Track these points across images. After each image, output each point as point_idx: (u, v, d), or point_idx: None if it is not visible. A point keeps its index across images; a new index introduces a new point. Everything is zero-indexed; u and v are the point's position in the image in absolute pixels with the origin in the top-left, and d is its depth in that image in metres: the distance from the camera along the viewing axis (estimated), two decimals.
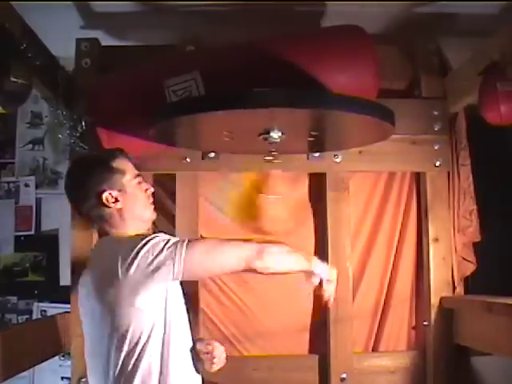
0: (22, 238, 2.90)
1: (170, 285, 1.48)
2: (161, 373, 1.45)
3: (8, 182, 2.93)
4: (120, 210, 1.54)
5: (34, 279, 2.87)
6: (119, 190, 1.54)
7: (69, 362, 2.20)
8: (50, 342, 2.03)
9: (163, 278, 1.41)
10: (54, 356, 2.16)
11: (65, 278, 2.69)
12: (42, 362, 2.04)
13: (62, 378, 2.78)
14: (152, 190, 1.64)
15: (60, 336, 2.09)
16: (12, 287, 2.87)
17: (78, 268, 2.17)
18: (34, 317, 2.84)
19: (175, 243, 1.43)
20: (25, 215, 2.90)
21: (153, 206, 1.63)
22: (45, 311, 2.85)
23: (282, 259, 1.54)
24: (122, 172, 1.56)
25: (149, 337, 1.44)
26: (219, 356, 1.60)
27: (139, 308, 1.42)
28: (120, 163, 1.58)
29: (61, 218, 2.68)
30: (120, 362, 1.44)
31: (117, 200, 1.54)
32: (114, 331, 1.44)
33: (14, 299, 2.87)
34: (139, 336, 1.43)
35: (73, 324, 2.12)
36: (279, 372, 2.21)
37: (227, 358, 1.65)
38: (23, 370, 1.87)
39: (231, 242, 1.52)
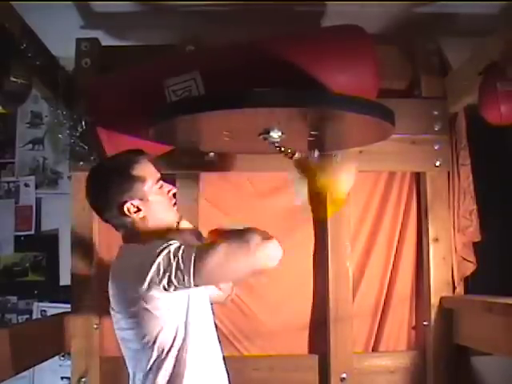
0: (22, 238, 2.90)
1: (192, 292, 1.47)
2: (182, 376, 1.45)
3: (8, 182, 2.93)
4: (143, 218, 1.51)
5: (34, 279, 2.87)
6: (141, 199, 1.50)
7: (69, 362, 2.20)
8: (50, 341, 2.04)
9: (175, 287, 1.38)
10: (53, 356, 2.16)
11: (65, 278, 2.69)
12: (42, 362, 2.04)
13: (62, 378, 2.77)
14: (174, 190, 1.59)
15: (60, 336, 2.09)
16: (12, 287, 2.87)
17: (77, 268, 2.18)
18: (34, 317, 2.84)
19: (185, 252, 1.38)
20: (25, 215, 2.90)
21: (176, 207, 1.60)
22: (45, 311, 2.85)
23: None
24: (143, 179, 1.51)
25: (172, 345, 1.45)
26: None
27: (159, 317, 1.42)
28: (140, 169, 1.52)
29: (61, 218, 2.69)
30: (145, 369, 1.46)
31: (139, 209, 1.50)
32: (137, 340, 1.46)
33: (14, 299, 2.87)
34: (160, 343, 1.44)
35: (73, 324, 2.12)
36: (279, 372, 2.22)
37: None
38: (23, 370, 1.87)
39: (245, 246, 1.40)
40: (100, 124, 1.90)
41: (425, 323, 2.23)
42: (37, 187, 2.92)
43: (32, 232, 2.89)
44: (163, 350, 1.44)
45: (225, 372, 1.61)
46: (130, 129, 1.90)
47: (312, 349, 2.26)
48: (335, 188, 1.67)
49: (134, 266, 1.43)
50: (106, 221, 1.57)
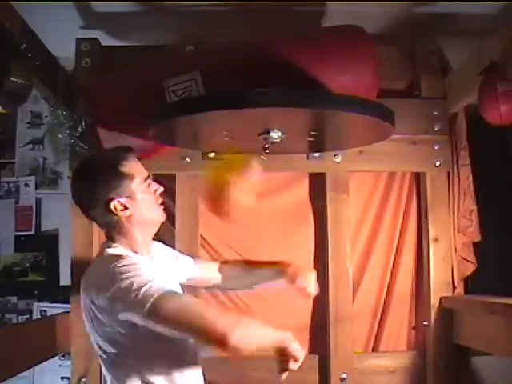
0: (22, 238, 2.89)
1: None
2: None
3: (8, 182, 2.93)
4: (129, 217, 1.45)
5: (34, 279, 2.87)
6: (128, 197, 1.44)
7: (69, 362, 2.20)
8: (50, 341, 2.03)
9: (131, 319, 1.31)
10: (53, 356, 2.15)
11: (65, 278, 2.69)
12: (42, 362, 2.04)
13: (62, 378, 2.77)
14: (161, 189, 1.54)
15: (60, 336, 2.09)
16: (12, 287, 2.87)
17: (78, 268, 2.18)
18: (34, 317, 2.84)
19: (144, 297, 1.26)
20: (25, 215, 2.90)
21: (162, 207, 1.55)
22: (45, 311, 2.84)
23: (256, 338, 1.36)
24: (131, 177, 1.46)
25: (135, 347, 1.39)
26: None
27: (119, 331, 1.36)
28: (128, 166, 1.46)
29: (61, 218, 2.68)
30: (111, 373, 1.43)
31: (125, 208, 1.44)
32: (101, 346, 1.42)
33: (14, 299, 2.87)
34: (124, 350, 1.39)
35: (73, 324, 2.12)
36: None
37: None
38: (23, 370, 1.87)
39: (201, 317, 1.26)
40: (100, 124, 1.90)
41: (425, 323, 2.23)
42: (37, 187, 2.92)
43: (32, 232, 2.89)
44: (127, 362, 1.40)
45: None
46: (130, 129, 1.90)
47: (312, 349, 2.26)
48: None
49: (96, 281, 1.38)
50: (92, 218, 1.52)
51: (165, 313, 1.25)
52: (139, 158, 1.54)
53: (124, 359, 1.40)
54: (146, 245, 1.53)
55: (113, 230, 1.48)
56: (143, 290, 1.26)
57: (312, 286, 1.67)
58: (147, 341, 1.36)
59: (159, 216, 1.54)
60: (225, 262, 1.86)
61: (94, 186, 1.44)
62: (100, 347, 1.43)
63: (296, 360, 1.41)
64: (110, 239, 1.49)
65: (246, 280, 1.83)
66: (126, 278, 1.30)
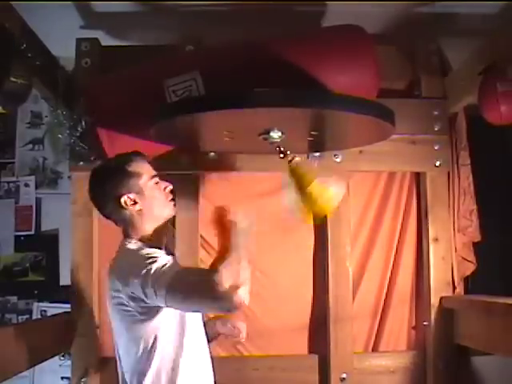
0: (22, 238, 2.89)
1: None
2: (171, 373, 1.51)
3: (8, 182, 2.93)
4: (139, 212, 1.58)
5: (34, 279, 2.87)
6: (137, 193, 1.58)
7: (69, 362, 2.21)
8: (50, 341, 2.03)
9: (150, 304, 1.45)
10: (53, 356, 2.16)
11: (65, 278, 2.69)
12: (42, 362, 2.04)
13: (62, 378, 2.77)
14: (170, 187, 1.65)
15: (60, 336, 2.09)
16: (12, 287, 2.87)
17: (77, 268, 2.18)
18: (34, 317, 2.83)
19: (163, 275, 1.40)
20: (25, 215, 2.90)
21: (173, 203, 1.66)
22: (45, 311, 2.84)
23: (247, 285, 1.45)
24: (138, 175, 1.59)
25: (156, 341, 1.50)
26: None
27: (143, 320, 1.49)
28: (136, 166, 1.61)
29: (61, 218, 2.68)
30: (133, 366, 1.53)
31: (135, 202, 1.57)
32: (125, 338, 1.54)
33: (14, 299, 2.87)
34: (147, 343, 1.50)
35: (73, 324, 2.12)
36: (279, 372, 2.22)
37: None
38: (23, 370, 1.87)
39: (212, 289, 1.36)
40: (100, 124, 1.90)
41: (425, 323, 2.23)
42: (37, 187, 2.92)
43: (32, 232, 2.88)
44: (150, 356, 1.50)
45: (212, 376, 1.65)
46: (129, 129, 1.90)
47: (312, 349, 2.26)
48: (320, 202, 1.67)
49: (121, 271, 1.52)
50: (107, 216, 1.65)
51: (182, 290, 1.39)
52: (146, 160, 1.66)
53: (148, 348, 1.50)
54: (159, 238, 1.63)
55: (128, 225, 1.61)
56: (162, 270, 1.40)
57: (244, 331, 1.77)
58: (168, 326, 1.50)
59: (169, 211, 1.65)
60: None
61: (105, 184, 1.60)
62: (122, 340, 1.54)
63: None
64: (127, 236, 1.61)
65: None
66: (147, 265, 1.42)
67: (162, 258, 1.47)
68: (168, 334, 1.51)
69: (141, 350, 1.50)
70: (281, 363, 2.23)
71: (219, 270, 1.38)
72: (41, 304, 2.85)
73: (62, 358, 2.66)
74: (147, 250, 1.52)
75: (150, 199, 1.59)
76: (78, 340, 2.12)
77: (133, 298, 1.46)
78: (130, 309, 1.48)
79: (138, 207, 1.58)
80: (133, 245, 1.57)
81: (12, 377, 1.72)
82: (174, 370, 1.51)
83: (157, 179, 1.63)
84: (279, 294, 2.25)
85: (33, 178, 2.92)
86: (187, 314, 1.55)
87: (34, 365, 2.10)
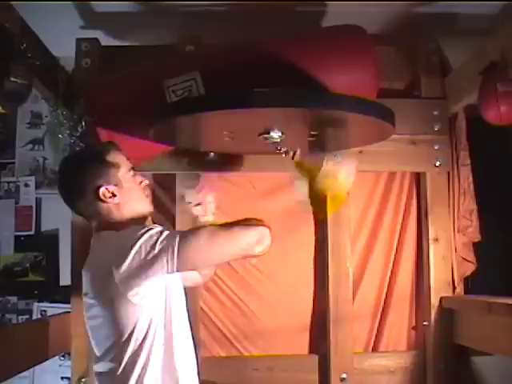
0: (22, 238, 2.90)
1: (169, 279, 1.46)
2: (160, 367, 1.45)
3: (8, 182, 2.93)
4: (118, 205, 1.50)
5: (34, 279, 2.87)
6: (115, 185, 1.50)
7: (69, 362, 2.20)
8: (50, 341, 2.03)
9: (157, 273, 1.36)
10: (53, 356, 2.15)
11: (65, 278, 2.69)
12: (42, 362, 2.04)
13: (62, 378, 2.77)
14: (146, 182, 1.59)
15: (60, 336, 2.09)
16: (12, 287, 2.87)
17: (78, 268, 2.18)
18: (34, 317, 2.84)
19: (168, 236, 1.37)
20: (25, 215, 2.90)
21: (149, 199, 1.60)
22: (45, 311, 2.85)
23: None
24: (117, 166, 1.52)
25: (147, 332, 1.43)
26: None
27: (137, 304, 1.40)
28: (114, 157, 1.53)
29: (61, 218, 2.68)
30: (120, 358, 1.43)
31: (114, 195, 1.49)
32: (114, 327, 1.43)
33: (14, 299, 2.87)
34: (137, 331, 1.42)
35: (73, 324, 2.12)
36: (279, 372, 2.22)
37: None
38: (23, 370, 1.87)
39: (229, 229, 1.41)
40: (100, 124, 1.90)
41: (425, 323, 2.23)
42: (37, 187, 2.92)
43: (32, 232, 2.89)
44: (138, 342, 1.42)
45: (195, 366, 1.59)
46: (130, 129, 1.90)
47: (312, 349, 2.26)
48: (335, 188, 1.67)
49: (112, 250, 1.42)
50: (78, 212, 1.56)
51: (198, 239, 1.36)
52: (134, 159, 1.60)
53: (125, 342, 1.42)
54: None
55: (103, 219, 1.51)
56: (161, 238, 1.35)
57: None
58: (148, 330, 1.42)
59: (146, 207, 1.58)
60: None
61: (82, 175, 1.50)
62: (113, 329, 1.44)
63: None
64: (102, 228, 1.51)
65: None
66: (142, 235, 1.37)
67: (155, 227, 1.40)
68: (157, 317, 1.44)
69: (130, 337, 1.41)
70: (281, 363, 2.23)
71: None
72: (41, 304, 2.85)
73: (62, 358, 2.67)
74: (132, 227, 1.44)
75: (129, 193, 1.52)
76: (78, 340, 2.12)
77: (125, 281, 1.35)
78: (120, 293, 1.37)
79: (116, 200, 1.49)
80: (111, 231, 1.47)
81: (12, 377, 1.72)
82: (167, 352, 1.45)
83: (134, 172, 1.56)
84: (279, 294, 2.25)
85: (33, 178, 2.92)
86: (172, 297, 1.48)
87: (34, 365, 2.11)
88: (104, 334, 1.46)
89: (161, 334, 1.45)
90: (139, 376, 1.42)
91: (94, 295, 1.47)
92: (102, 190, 1.48)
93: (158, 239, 1.36)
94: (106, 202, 1.49)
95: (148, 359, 1.43)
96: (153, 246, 1.35)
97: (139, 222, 1.54)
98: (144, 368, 1.42)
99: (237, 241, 1.41)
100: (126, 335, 1.42)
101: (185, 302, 1.61)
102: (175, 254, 1.34)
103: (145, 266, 1.35)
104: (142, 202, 1.57)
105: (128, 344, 1.42)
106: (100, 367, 1.49)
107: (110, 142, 1.60)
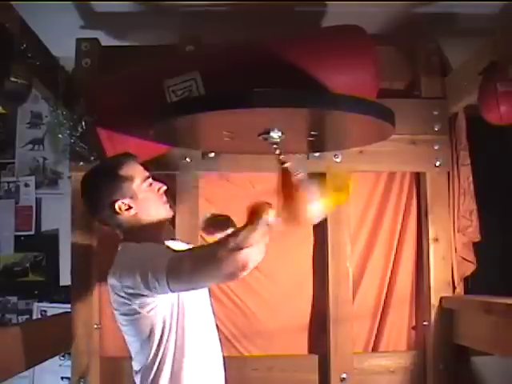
0: (22, 237, 2.90)
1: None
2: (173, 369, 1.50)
3: (8, 182, 2.93)
4: (135, 216, 1.55)
5: (34, 279, 2.87)
6: (131, 197, 1.54)
7: (69, 362, 2.20)
8: (50, 341, 2.03)
9: (151, 294, 1.42)
10: (53, 356, 2.16)
11: (65, 278, 2.69)
12: (42, 362, 2.04)
13: (62, 378, 2.77)
14: (164, 188, 1.63)
15: (60, 336, 2.09)
16: (12, 287, 2.87)
17: (78, 268, 2.18)
18: (34, 317, 2.84)
19: (160, 261, 1.37)
20: (25, 215, 2.90)
21: (168, 204, 1.63)
22: (45, 311, 2.85)
23: (259, 247, 1.37)
24: (131, 178, 1.56)
25: (159, 343, 1.49)
26: None
27: (147, 316, 1.46)
28: (127, 169, 1.57)
29: (61, 218, 2.68)
30: (145, 364, 1.52)
31: (130, 207, 1.54)
32: (134, 336, 1.53)
33: (14, 299, 2.87)
34: (151, 341, 1.49)
35: (73, 324, 2.12)
36: (279, 372, 2.22)
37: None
38: (23, 370, 1.87)
39: (213, 256, 1.31)
40: (100, 124, 1.90)
41: (425, 323, 2.23)
42: (37, 187, 2.92)
43: (32, 232, 2.89)
44: (158, 348, 1.49)
45: (222, 370, 1.64)
46: (129, 129, 1.90)
47: (312, 349, 2.26)
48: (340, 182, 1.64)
49: (122, 266, 1.48)
50: (101, 222, 1.64)
51: (183, 266, 1.34)
52: (139, 162, 1.62)
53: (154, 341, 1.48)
54: (159, 239, 1.59)
55: (125, 230, 1.58)
56: (159, 256, 1.38)
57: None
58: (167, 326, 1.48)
59: (164, 213, 1.62)
60: None
61: (98, 190, 1.56)
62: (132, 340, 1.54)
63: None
64: (125, 239, 1.58)
65: None
66: (141, 258, 1.42)
67: (159, 247, 1.46)
68: (171, 325, 1.49)
69: (149, 346, 1.49)
70: (280, 363, 2.23)
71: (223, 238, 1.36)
72: (41, 304, 2.86)
73: (62, 358, 2.67)
74: (144, 245, 1.49)
75: (145, 202, 1.56)
76: (78, 340, 2.12)
77: (132, 295, 1.43)
78: (133, 307, 1.45)
79: (132, 212, 1.54)
80: (131, 244, 1.54)
81: (12, 377, 1.72)
82: (185, 358, 1.50)
83: (150, 180, 1.60)
84: (279, 293, 2.25)
85: (33, 178, 2.93)
86: (189, 302, 1.52)
87: (34, 365, 2.10)
88: (132, 342, 1.56)
89: (171, 346, 1.50)
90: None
91: (115, 306, 1.54)
92: (117, 204, 1.53)
93: (153, 260, 1.39)
94: (123, 215, 1.54)
95: (160, 370, 1.49)
96: (147, 266, 1.38)
97: (158, 227, 1.59)
98: (157, 375, 1.49)
99: (218, 270, 1.32)
100: (145, 344, 1.50)
101: (210, 310, 1.65)
102: (164, 277, 1.34)
103: (143, 283, 1.38)
104: (160, 209, 1.60)
105: (149, 353, 1.50)
106: (133, 365, 1.59)
107: (125, 154, 1.62)
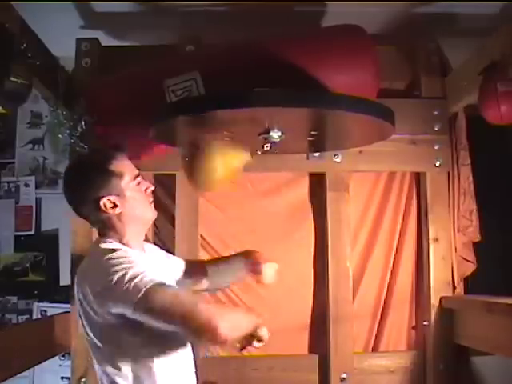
0: (22, 237, 2.90)
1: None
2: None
3: (8, 182, 2.93)
4: (119, 215, 1.46)
5: (34, 279, 2.87)
6: (117, 195, 1.45)
7: (69, 362, 2.20)
8: (50, 341, 2.03)
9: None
10: (53, 356, 2.16)
11: (65, 278, 2.70)
12: (42, 362, 2.04)
13: (62, 378, 2.77)
14: (152, 188, 1.54)
15: (60, 336, 2.09)
16: (12, 287, 2.87)
17: (77, 268, 2.18)
18: (34, 317, 2.84)
19: (134, 288, 1.28)
20: (25, 215, 2.90)
21: (152, 205, 1.56)
22: (45, 311, 2.85)
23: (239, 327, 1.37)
24: (120, 175, 1.46)
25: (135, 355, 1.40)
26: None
27: (112, 324, 1.36)
28: (117, 165, 1.47)
29: (61, 218, 2.68)
30: (106, 370, 1.42)
31: (115, 205, 1.45)
32: (94, 343, 1.42)
33: (14, 299, 2.87)
34: (120, 347, 1.39)
35: (73, 324, 2.12)
36: (279, 372, 2.22)
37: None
38: (23, 370, 1.87)
39: (191, 310, 1.26)
40: (100, 124, 1.90)
41: (425, 323, 2.23)
42: (37, 187, 2.92)
43: (32, 232, 2.89)
44: (121, 360, 1.39)
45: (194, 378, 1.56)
46: (129, 129, 1.90)
47: (312, 349, 2.26)
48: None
49: (92, 276, 1.39)
50: (80, 216, 1.52)
51: (154, 304, 1.26)
52: (134, 157, 1.55)
53: (115, 351, 1.39)
54: (139, 241, 1.53)
55: (105, 227, 1.48)
56: (134, 281, 1.28)
57: (268, 276, 1.71)
58: (138, 333, 1.36)
59: (150, 213, 1.54)
60: (202, 262, 1.88)
61: (84, 185, 1.46)
62: (92, 340, 1.42)
63: (262, 341, 1.53)
64: (103, 236, 1.49)
65: (221, 277, 1.83)
66: (119, 271, 1.31)
67: (140, 264, 1.35)
68: (146, 338, 1.37)
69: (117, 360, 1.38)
70: (280, 363, 2.23)
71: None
72: (41, 304, 2.86)
73: (62, 358, 2.67)
74: (123, 253, 1.39)
75: (131, 202, 1.47)
76: (78, 340, 2.12)
77: (94, 302, 1.33)
78: (101, 318, 1.35)
79: (117, 210, 1.45)
80: (108, 244, 1.44)
81: (12, 377, 1.72)
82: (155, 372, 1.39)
83: (139, 179, 1.51)
84: (279, 293, 2.25)
85: (33, 178, 2.93)
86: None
87: (34, 365, 2.11)
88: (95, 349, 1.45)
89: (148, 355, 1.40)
90: None
91: (78, 307, 1.45)
92: (103, 200, 1.44)
93: (127, 282, 1.29)
94: (107, 212, 1.45)
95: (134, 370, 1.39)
96: (119, 287, 1.29)
97: (140, 229, 1.53)
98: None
99: (191, 335, 1.30)
100: (109, 355, 1.40)
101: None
102: (133, 305, 1.27)
103: (110, 300, 1.31)
104: (146, 210, 1.52)
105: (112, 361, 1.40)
106: None
107: (115, 147, 1.53)
